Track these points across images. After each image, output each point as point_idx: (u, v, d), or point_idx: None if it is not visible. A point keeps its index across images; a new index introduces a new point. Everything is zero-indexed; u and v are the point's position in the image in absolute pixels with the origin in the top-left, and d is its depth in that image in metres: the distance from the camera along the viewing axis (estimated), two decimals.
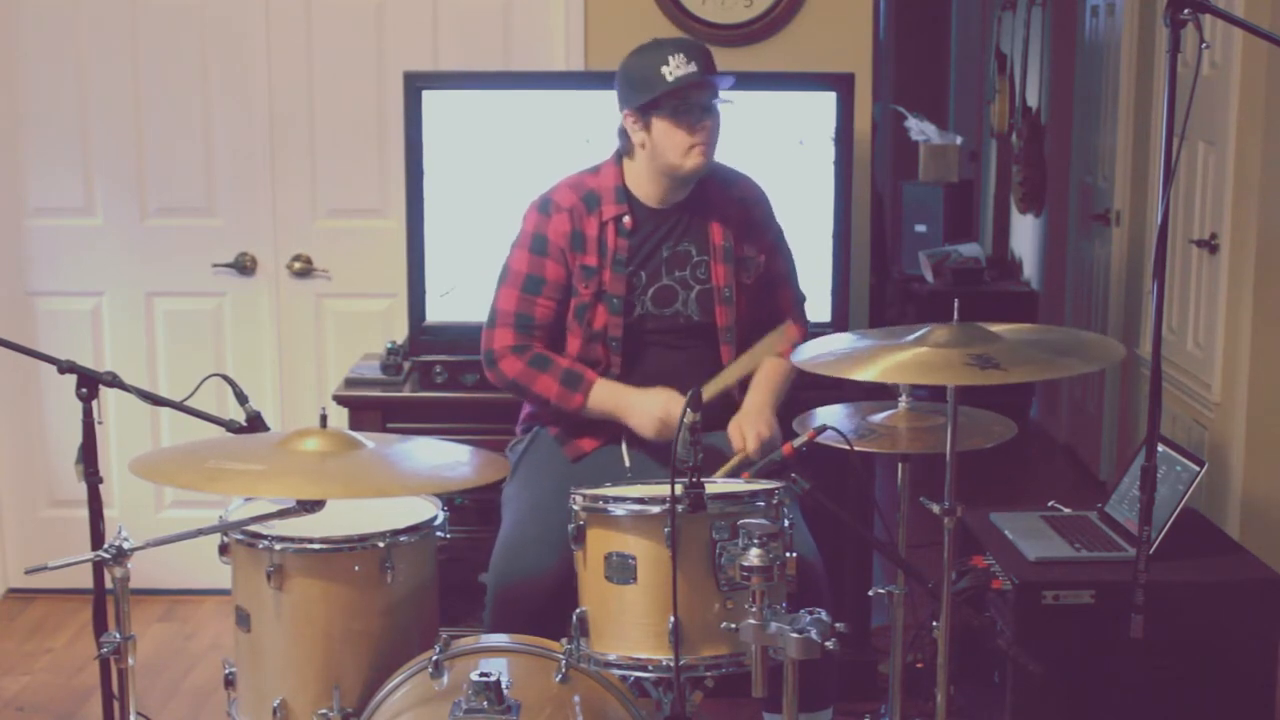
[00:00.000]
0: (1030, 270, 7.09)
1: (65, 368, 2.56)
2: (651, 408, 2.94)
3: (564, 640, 2.43)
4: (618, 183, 3.06)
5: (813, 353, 2.62)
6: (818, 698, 2.87)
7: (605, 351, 3.04)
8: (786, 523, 2.37)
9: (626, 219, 3.04)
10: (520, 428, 3.22)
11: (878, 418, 2.89)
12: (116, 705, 2.44)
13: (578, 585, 2.46)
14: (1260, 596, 3.13)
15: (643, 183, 3.05)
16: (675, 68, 2.89)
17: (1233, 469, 3.58)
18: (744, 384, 3.05)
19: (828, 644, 2.13)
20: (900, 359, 2.48)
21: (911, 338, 2.55)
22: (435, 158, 3.63)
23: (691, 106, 2.92)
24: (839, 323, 3.67)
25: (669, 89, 2.89)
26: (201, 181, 4.24)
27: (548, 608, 2.72)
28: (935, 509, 2.65)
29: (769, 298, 3.17)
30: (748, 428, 2.95)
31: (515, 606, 2.79)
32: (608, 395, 3.00)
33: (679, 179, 3.01)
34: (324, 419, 2.47)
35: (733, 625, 2.23)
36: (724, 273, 3.07)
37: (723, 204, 3.11)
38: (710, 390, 2.86)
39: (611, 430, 3.05)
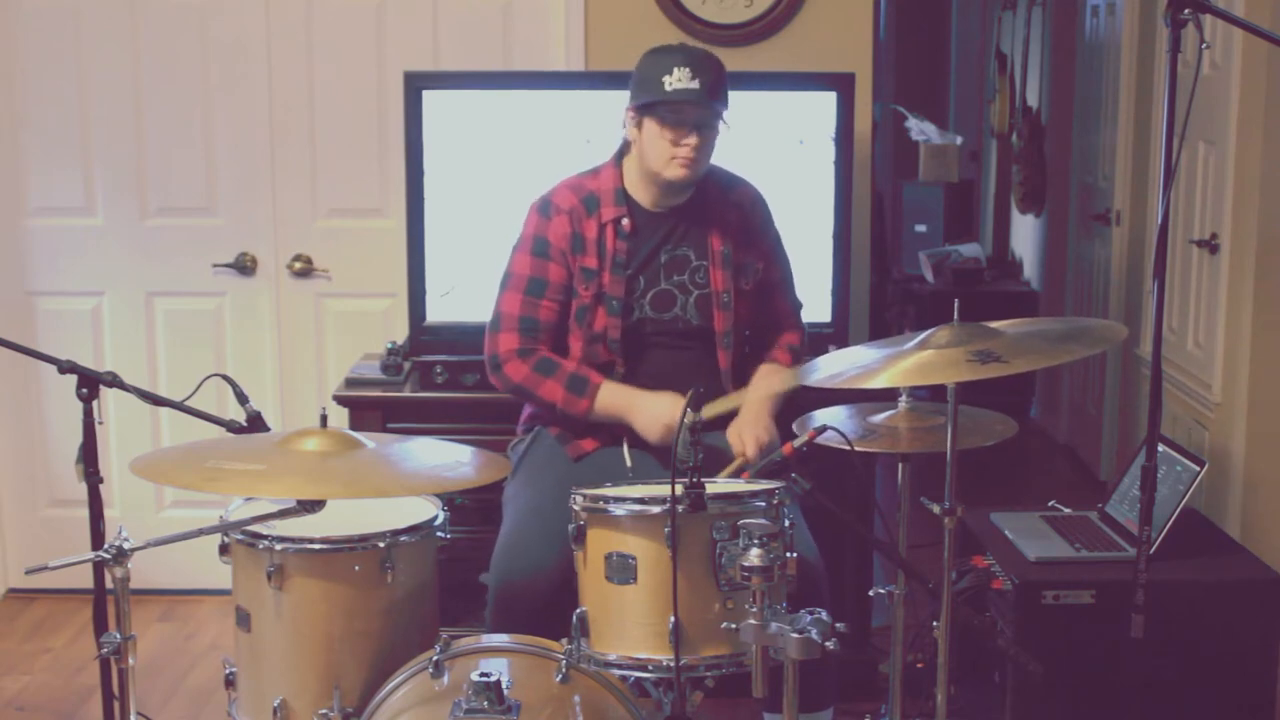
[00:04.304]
0: (1030, 270, 7.09)
1: (65, 368, 2.56)
2: (657, 412, 2.94)
3: (564, 640, 2.43)
4: (617, 185, 3.06)
5: (824, 372, 2.62)
6: (818, 698, 2.87)
7: (608, 353, 3.04)
8: (787, 523, 2.37)
9: (625, 221, 3.04)
10: (522, 427, 3.22)
11: (878, 418, 2.89)
12: (116, 705, 2.44)
13: (578, 585, 2.46)
14: (1260, 596, 3.13)
15: (638, 185, 3.06)
16: (676, 80, 2.89)
17: (1233, 469, 3.58)
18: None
19: (828, 644, 2.12)
20: (904, 365, 2.48)
21: (914, 343, 2.55)
22: (435, 158, 3.63)
23: (682, 120, 2.92)
24: (839, 323, 3.68)
25: (662, 98, 2.90)
26: (202, 181, 4.24)
27: (549, 607, 2.72)
28: (935, 509, 2.65)
29: (766, 304, 3.17)
30: (747, 433, 2.95)
31: (516, 605, 2.78)
32: (613, 400, 3.00)
33: (664, 186, 3.01)
34: (324, 419, 2.47)
35: (733, 625, 2.23)
36: (722, 278, 3.07)
37: (721, 209, 3.11)
38: (710, 412, 2.86)
39: (613, 430, 3.05)
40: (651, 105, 2.92)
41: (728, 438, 2.97)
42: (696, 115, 2.92)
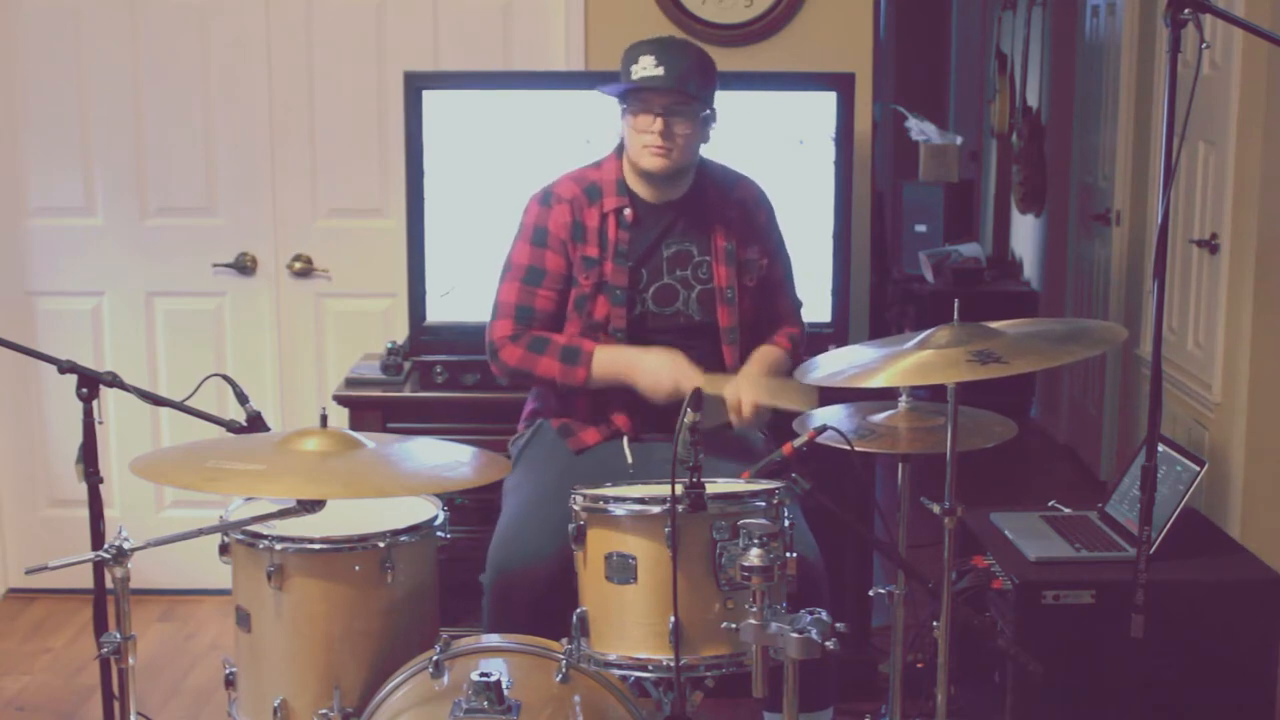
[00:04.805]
0: (1030, 270, 7.09)
1: (65, 368, 2.56)
2: (659, 374, 2.93)
3: (564, 640, 2.43)
4: (619, 176, 3.07)
5: (824, 371, 2.63)
6: (818, 698, 2.87)
7: (610, 342, 3.03)
8: (787, 523, 2.37)
9: (628, 211, 3.05)
10: (524, 422, 3.22)
11: (878, 418, 2.89)
12: (116, 705, 2.44)
13: (578, 585, 2.46)
14: (1260, 596, 3.13)
15: (635, 177, 3.06)
16: (641, 69, 2.91)
17: (1233, 469, 3.58)
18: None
19: (828, 644, 2.13)
20: (904, 365, 2.48)
21: (914, 343, 2.55)
22: (435, 158, 3.63)
23: (647, 107, 2.93)
24: (839, 323, 3.68)
25: (627, 87, 2.92)
26: (202, 181, 4.24)
27: (545, 597, 2.72)
28: (935, 509, 2.65)
29: (768, 301, 3.17)
30: (745, 392, 2.93)
31: (513, 595, 2.78)
32: (610, 362, 2.99)
33: (645, 177, 3.02)
34: (324, 419, 2.47)
35: (733, 625, 2.23)
36: (726, 274, 3.07)
37: (723, 206, 3.11)
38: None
39: (614, 425, 3.05)
40: (621, 95, 2.95)
41: (724, 393, 2.94)
42: (662, 102, 2.92)
